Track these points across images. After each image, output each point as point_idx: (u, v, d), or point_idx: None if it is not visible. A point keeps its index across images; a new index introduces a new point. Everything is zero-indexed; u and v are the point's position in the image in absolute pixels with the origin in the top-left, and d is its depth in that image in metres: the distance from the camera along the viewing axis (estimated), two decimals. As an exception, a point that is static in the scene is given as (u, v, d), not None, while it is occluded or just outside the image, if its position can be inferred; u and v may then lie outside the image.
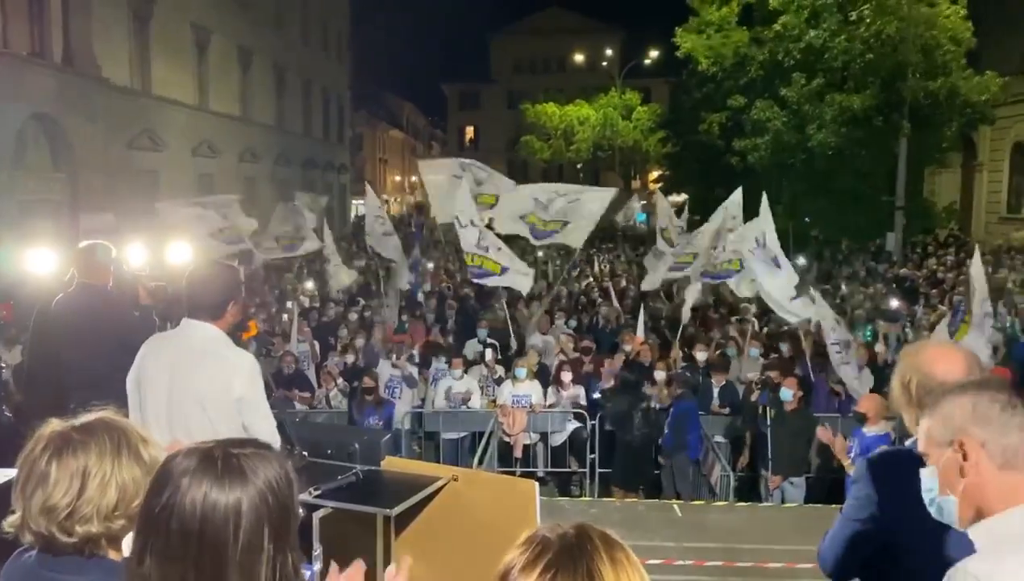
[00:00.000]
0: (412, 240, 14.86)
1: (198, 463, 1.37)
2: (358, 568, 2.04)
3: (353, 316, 13.28)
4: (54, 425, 1.74)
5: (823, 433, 5.65)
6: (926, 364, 2.38)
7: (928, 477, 1.79)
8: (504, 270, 10.43)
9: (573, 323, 13.32)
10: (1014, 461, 1.64)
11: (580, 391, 9.53)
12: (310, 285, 16.65)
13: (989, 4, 24.86)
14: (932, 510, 1.79)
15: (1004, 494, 1.64)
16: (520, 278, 10.67)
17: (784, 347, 10.61)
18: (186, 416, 3.26)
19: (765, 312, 14.23)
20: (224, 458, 1.38)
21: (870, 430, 6.16)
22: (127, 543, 1.60)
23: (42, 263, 7.56)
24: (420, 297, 14.91)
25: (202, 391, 3.26)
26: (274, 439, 3.22)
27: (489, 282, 11.00)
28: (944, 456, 1.73)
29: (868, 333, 11.08)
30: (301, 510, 1.58)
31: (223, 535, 1.33)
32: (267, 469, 1.40)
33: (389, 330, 11.50)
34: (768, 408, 8.13)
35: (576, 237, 11.61)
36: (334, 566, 2.09)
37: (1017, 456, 1.64)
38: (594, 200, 11.48)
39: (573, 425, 9.34)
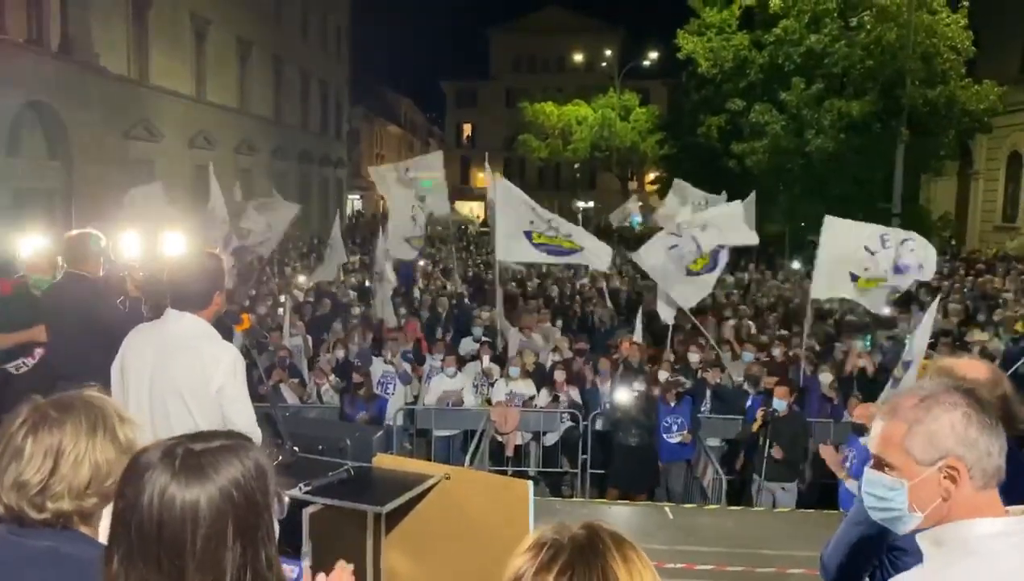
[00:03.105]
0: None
1: (158, 459, 1.34)
2: (342, 571, 2.09)
3: (356, 310, 13.30)
4: (35, 401, 1.75)
5: (825, 450, 5.61)
6: (957, 372, 2.40)
7: (886, 488, 1.69)
8: (582, 248, 10.37)
9: (561, 322, 13.28)
10: (991, 483, 1.64)
11: (574, 392, 9.50)
12: (303, 279, 16.59)
13: (988, 14, 24.90)
14: (878, 515, 1.74)
15: (968, 511, 1.62)
16: (599, 255, 10.53)
17: (777, 352, 10.59)
18: (167, 407, 3.24)
19: (758, 314, 14.26)
20: (184, 455, 1.35)
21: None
22: (104, 527, 1.58)
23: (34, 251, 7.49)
24: (416, 294, 14.90)
25: (182, 383, 3.23)
26: (253, 433, 3.18)
27: (564, 260, 11.09)
28: (924, 474, 1.63)
29: (868, 341, 11.07)
30: (287, 505, 1.53)
31: (180, 534, 1.30)
32: (232, 464, 1.36)
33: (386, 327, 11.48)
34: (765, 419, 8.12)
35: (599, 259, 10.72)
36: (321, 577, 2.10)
37: (994, 478, 1.63)
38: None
39: (567, 425, 9.32)
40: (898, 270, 9.40)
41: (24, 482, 1.63)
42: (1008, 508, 1.65)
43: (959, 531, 1.62)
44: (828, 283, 9.71)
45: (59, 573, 1.58)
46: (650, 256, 10.39)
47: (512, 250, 10.46)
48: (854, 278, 9.51)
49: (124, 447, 1.68)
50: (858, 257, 9.38)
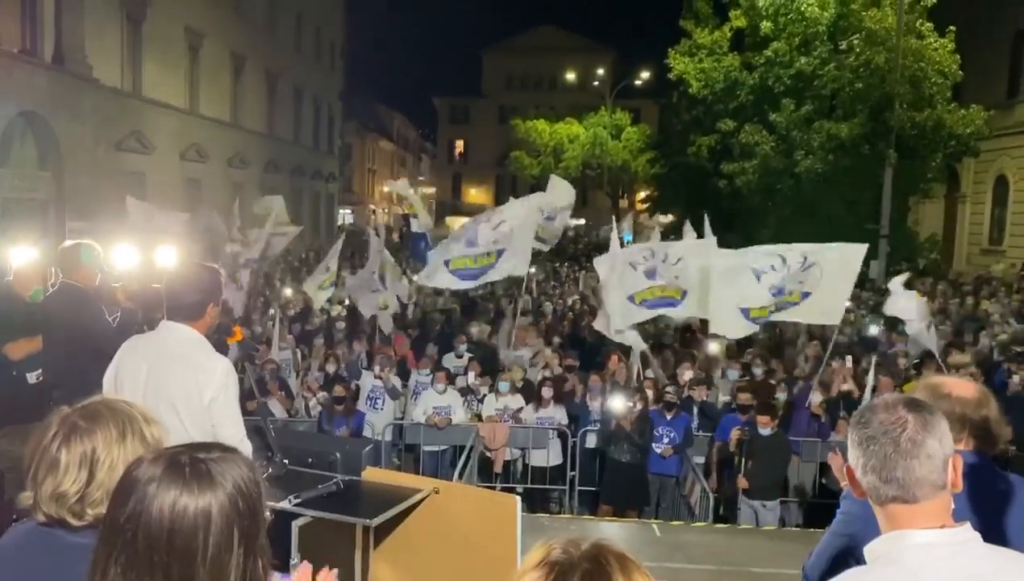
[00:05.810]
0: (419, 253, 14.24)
1: (164, 469, 1.36)
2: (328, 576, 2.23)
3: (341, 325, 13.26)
4: (62, 412, 1.79)
5: (833, 458, 5.63)
6: (942, 389, 2.45)
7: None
8: (499, 255, 9.67)
9: (557, 340, 13.28)
10: (903, 496, 1.70)
11: (561, 411, 9.48)
12: (289, 292, 16.53)
13: (975, 39, 25.21)
14: None
15: (896, 522, 1.72)
16: (515, 263, 9.88)
17: (758, 371, 10.57)
18: (160, 418, 3.23)
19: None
20: (192, 463, 1.37)
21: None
22: None
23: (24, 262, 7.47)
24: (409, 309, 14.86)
25: (175, 394, 3.25)
26: (242, 446, 3.20)
27: (477, 282, 10.46)
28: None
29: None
30: (271, 515, 1.56)
31: (193, 542, 1.32)
32: (235, 472, 1.39)
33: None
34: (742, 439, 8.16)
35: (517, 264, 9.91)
36: (306, 565, 2.14)
37: (887, 493, 1.71)
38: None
39: (557, 444, 9.32)
40: (779, 292, 8.38)
41: (63, 493, 1.69)
42: (953, 523, 1.70)
43: (890, 541, 1.70)
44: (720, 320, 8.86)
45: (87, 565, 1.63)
46: (602, 265, 9.49)
47: (432, 277, 10.31)
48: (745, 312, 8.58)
49: (153, 447, 1.72)
50: (744, 283, 8.48)
